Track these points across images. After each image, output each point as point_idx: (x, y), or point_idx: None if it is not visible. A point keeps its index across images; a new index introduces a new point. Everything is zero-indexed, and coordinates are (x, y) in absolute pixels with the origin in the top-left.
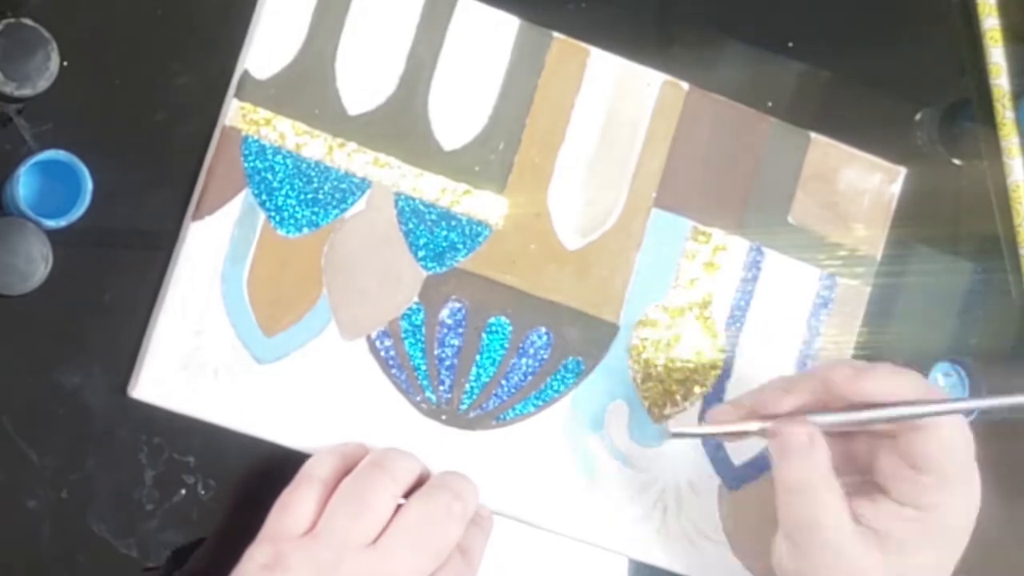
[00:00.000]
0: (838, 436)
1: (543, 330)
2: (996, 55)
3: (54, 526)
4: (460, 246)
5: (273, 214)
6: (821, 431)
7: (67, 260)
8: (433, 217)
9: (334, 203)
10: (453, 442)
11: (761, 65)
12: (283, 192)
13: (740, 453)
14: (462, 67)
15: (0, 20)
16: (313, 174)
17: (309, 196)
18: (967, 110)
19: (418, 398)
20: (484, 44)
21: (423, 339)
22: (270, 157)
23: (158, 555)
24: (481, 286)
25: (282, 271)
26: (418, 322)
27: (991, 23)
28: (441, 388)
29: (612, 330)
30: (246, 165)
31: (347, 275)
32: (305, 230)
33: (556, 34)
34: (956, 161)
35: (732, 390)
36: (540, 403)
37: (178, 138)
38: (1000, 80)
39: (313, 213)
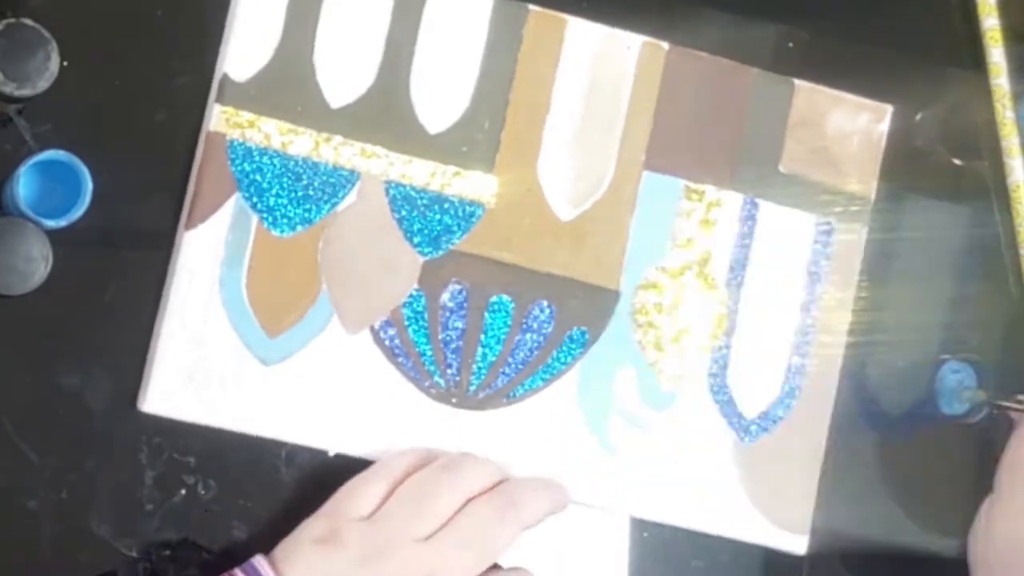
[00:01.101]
0: None
1: (545, 303)
2: (996, 55)
3: (54, 526)
4: (455, 228)
5: (265, 215)
6: None
7: (67, 260)
8: (425, 202)
9: (325, 198)
10: (466, 424)
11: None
12: (273, 192)
13: (752, 407)
14: (440, 49)
15: (0, 20)
16: (302, 171)
17: (300, 193)
18: (967, 110)
19: (427, 383)
20: (460, 24)
21: (426, 325)
22: (257, 158)
23: (158, 555)
24: (479, 266)
25: (280, 271)
26: (420, 308)
27: (991, 23)
28: (449, 371)
29: (614, 297)
30: (234, 169)
31: (345, 268)
32: (299, 228)
33: (532, 6)
34: (956, 161)
35: (737, 345)
36: (548, 376)
37: (178, 138)
38: (1000, 80)
39: (305, 210)
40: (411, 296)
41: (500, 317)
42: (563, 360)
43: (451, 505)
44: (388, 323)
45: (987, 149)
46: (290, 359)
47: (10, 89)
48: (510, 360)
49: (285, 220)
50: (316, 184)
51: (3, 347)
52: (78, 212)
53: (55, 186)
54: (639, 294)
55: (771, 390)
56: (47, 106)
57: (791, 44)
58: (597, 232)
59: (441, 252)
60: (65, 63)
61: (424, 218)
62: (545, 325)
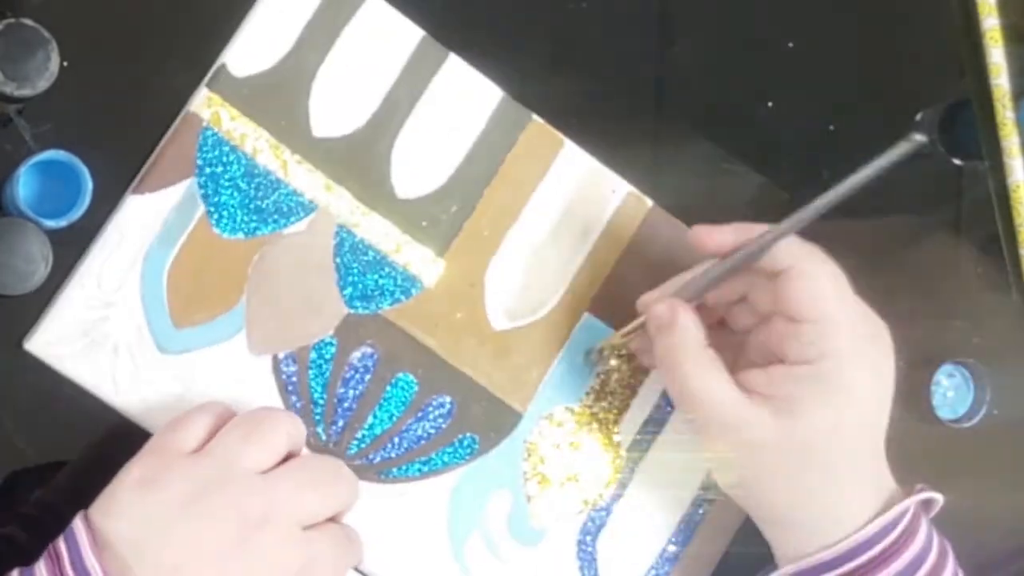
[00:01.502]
0: (725, 316)
1: (448, 399)
2: (996, 55)
3: None
4: (388, 294)
5: (212, 210)
6: (691, 306)
7: (67, 260)
8: (369, 258)
9: (276, 217)
10: None
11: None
12: (228, 192)
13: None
14: (435, 122)
15: (0, 20)
16: (263, 183)
17: (253, 203)
18: (967, 110)
19: (308, 431)
20: (463, 106)
21: (328, 374)
22: (225, 154)
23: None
24: (399, 339)
25: (207, 267)
26: (328, 356)
27: (991, 23)
28: (333, 428)
29: (515, 418)
30: (199, 155)
31: (270, 290)
32: (240, 234)
33: (536, 117)
34: (956, 161)
35: (619, 512)
36: (426, 470)
37: None
38: (1000, 80)
39: (252, 220)
40: (323, 341)
41: (400, 395)
42: (446, 460)
43: (284, 441)
44: (292, 358)
45: (987, 149)
46: (186, 355)
47: (10, 89)
48: (395, 440)
49: (230, 221)
50: (272, 200)
51: (3, 347)
52: (78, 212)
53: (55, 186)
54: (541, 425)
55: (637, 569)
56: (47, 106)
57: (791, 44)
58: (522, 352)
59: (367, 311)
60: (65, 63)
61: (363, 273)
62: (441, 420)
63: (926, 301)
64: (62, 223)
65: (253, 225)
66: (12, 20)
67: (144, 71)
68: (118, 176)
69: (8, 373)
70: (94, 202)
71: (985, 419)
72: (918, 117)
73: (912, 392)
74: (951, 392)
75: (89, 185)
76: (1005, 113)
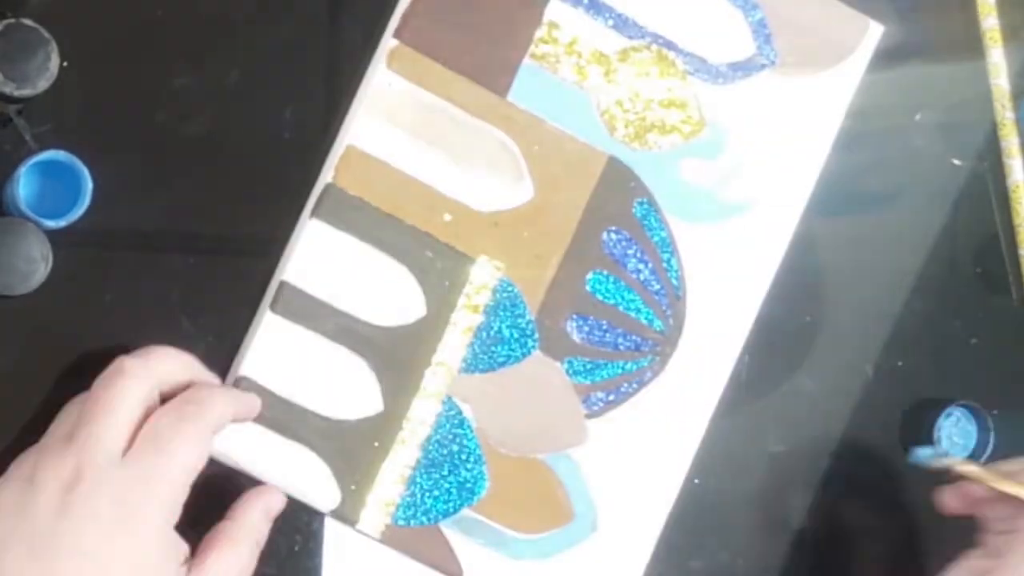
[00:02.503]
0: None
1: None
2: (996, 55)
3: None
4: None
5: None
6: None
7: (67, 260)
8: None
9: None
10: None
11: None
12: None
13: None
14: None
15: (0, 20)
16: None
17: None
18: (967, 110)
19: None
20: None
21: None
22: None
23: None
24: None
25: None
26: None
27: (991, 23)
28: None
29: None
30: None
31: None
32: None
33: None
34: (956, 161)
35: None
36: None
37: (177, 139)
38: (1000, 80)
39: (454, 492)
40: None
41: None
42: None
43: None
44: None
45: (987, 149)
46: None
47: (10, 89)
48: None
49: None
50: (449, 455)
51: (3, 347)
52: (78, 212)
53: (55, 186)
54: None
55: None
56: (47, 106)
57: None
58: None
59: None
60: (65, 63)
61: (517, 323)
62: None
63: (923, 301)
64: (62, 223)
65: (456, 493)
66: (12, 20)
67: (144, 71)
68: (118, 176)
69: (8, 373)
70: (94, 202)
71: (992, 458)
72: (918, 117)
73: (920, 433)
74: (956, 437)
75: (89, 185)
76: (1005, 113)
